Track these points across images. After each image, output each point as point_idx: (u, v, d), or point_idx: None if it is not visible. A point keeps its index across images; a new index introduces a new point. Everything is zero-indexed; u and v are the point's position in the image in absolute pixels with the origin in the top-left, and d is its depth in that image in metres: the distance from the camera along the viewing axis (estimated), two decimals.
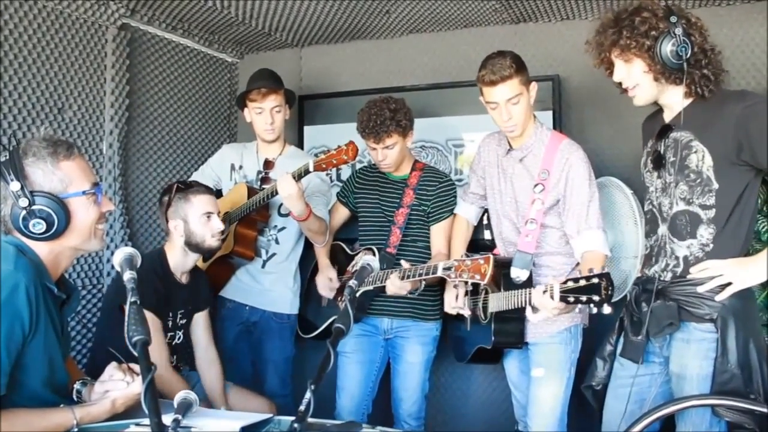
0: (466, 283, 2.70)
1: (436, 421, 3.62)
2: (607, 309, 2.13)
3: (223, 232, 2.86)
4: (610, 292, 2.11)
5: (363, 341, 3.11)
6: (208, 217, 2.79)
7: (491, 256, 2.50)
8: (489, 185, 2.88)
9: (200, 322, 2.97)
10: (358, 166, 3.61)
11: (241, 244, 3.23)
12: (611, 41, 2.18)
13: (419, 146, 3.77)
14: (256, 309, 3.34)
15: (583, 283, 2.17)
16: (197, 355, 2.95)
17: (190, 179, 3.02)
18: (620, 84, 2.26)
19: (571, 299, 2.20)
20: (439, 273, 2.63)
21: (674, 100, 2.20)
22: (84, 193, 1.87)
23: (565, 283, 2.23)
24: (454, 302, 2.80)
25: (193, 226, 2.77)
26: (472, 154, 3.61)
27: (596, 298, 2.13)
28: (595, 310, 2.16)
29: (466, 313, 2.80)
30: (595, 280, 2.14)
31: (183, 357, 2.93)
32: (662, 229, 2.25)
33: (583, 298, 2.16)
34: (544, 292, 2.31)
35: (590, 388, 2.45)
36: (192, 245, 2.79)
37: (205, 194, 2.83)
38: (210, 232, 2.79)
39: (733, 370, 2.02)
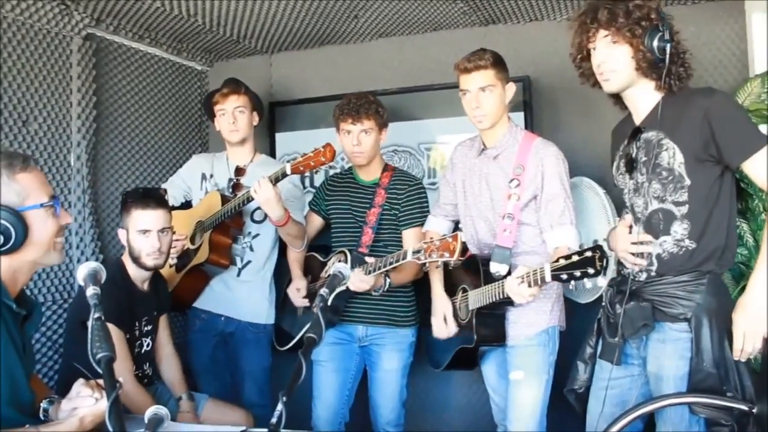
0: (438, 264, 2.71)
1: (415, 428, 3.59)
2: (602, 281, 2.14)
3: (161, 251, 2.75)
4: (605, 263, 2.12)
5: (337, 349, 3.08)
6: (145, 234, 2.71)
7: (459, 234, 2.49)
8: (461, 191, 2.87)
9: (161, 323, 2.99)
10: (331, 172, 3.59)
11: (216, 253, 3.19)
12: (606, 19, 2.15)
13: (391, 150, 3.76)
14: (231, 319, 3.31)
15: (575, 258, 2.18)
16: (156, 351, 2.97)
17: (147, 189, 2.97)
18: (591, 73, 2.26)
19: (564, 276, 2.20)
20: (409, 257, 2.61)
21: (640, 94, 2.21)
22: (42, 205, 1.84)
23: (556, 261, 2.24)
24: (445, 326, 2.80)
25: (132, 239, 2.73)
26: (443, 155, 3.62)
27: (591, 270, 2.13)
28: (589, 285, 2.16)
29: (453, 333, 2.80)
30: (589, 254, 2.14)
31: (153, 364, 2.91)
32: (636, 229, 2.25)
33: (577, 273, 2.17)
34: (520, 283, 2.35)
35: (573, 391, 2.44)
36: (132, 257, 2.75)
37: (147, 209, 2.72)
38: (145, 249, 2.71)
39: (708, 369, 2.03)
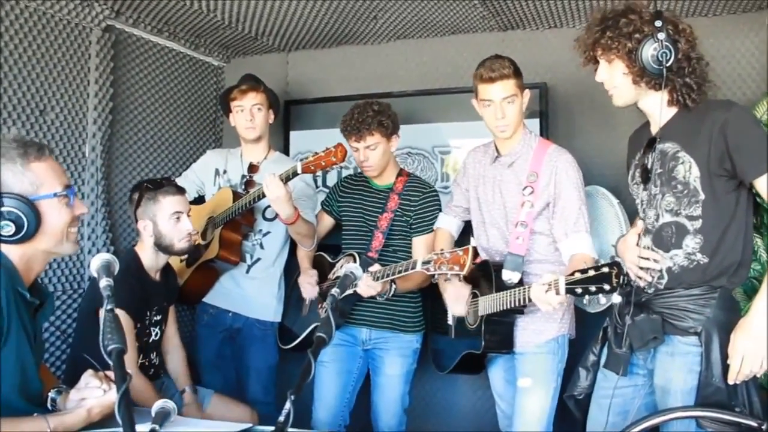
0: (446, 276, 2.70)
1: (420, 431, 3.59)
2: (617, 298, 2.13)
3: (192, 234, 2.82)
4: (621, 281, 2.10)
5: (341, 351, 3.06)
6: (178, 217, 2.76)
7: (470, 247, 2.48)
8: (474, 197, 2.87)
9: (169, 314, 3.00)
10: (345, 173, 3.59)
11: (226, 249, 3.20)
12: (594, 39, 2.17)
13: (405, 152, 3.75)
14: (239, 315, 3.31)
15: (591, 273, 2.15)
16: (163, 342, 2.97)
17: (160, 179, 2.95)
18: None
19: (579, 290, 2.18)
20: (419, 268, 2.60)
21: (655, 106, 2.18)
22: (55, 195, 1.83)
23: (571, 274, 2.21)
24: (455, 298, 2.78)
25: (162, 227, 2.73)
26: (457, 159, 3.61)
27: (607, 287, 2.11)
28: (603, 300, 2.14)
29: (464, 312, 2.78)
30: (606, 270, 2.11)
31: (160, 354, 2.92)
32: (645, 241, 2.23)
33: (592, 288, 2.14)
34: (547, 290, 2.28)
35: (572, 397, 2.43)
36: (161, 247, 2.76)
37: (175, 194, 2.78)
38: (179, 234, 2.75)
39: (717, 383, 2.01)
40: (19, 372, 1.77)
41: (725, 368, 2.01)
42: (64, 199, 1.86)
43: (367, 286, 2.77)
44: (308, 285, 3.16)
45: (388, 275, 2.76)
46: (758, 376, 2.02)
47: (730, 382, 2.00)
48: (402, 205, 3.05)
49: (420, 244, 3.04)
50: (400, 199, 3.06)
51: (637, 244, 2.24)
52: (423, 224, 3.05)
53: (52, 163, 1.86)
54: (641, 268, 2.21)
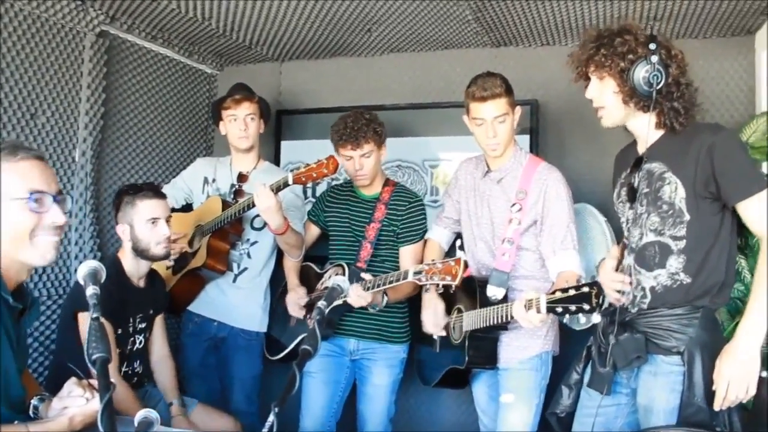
0: (438, 287, 2.71)
1: None
2: (596, 318, 2.14)
3: (169, 239, 2.79)
4: (601, 301, 2.11)
5: (328, 361, 3.06)
6: (154, 222, 2.73)
7: (462, 258, 2.49)
8: (464, 209, 2.88)
9: (157, 322, 2.97)
10: (333, 183, 3.59)
11: (214, 257, 3.18)
12: (588, 56, 2.18)
13: (396, 165, 3.76)
14: (224, 325, 3.30)
15: (572, 292, 2.16)
16: (152, 351, 2.96)
17: (141, 183, 2.92)
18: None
19: (559, 309, 2.19)
20: (410, 278, 2.60)
21: (642, 127, 2.19)
22: (15, 198, 1.72)
23: (552, 293, 2.22)
24: (434, 319, 2.80)
25: (139, 231, 2.72)
26: (447, 173, 3.62)
27: (586, 307, 2.12)
28: (583, 320, 2.15)
29: (442, 333, 2.80)
30: (586, 289, 2.13)
31: (144, 362, 2.89)
32: (629, 260, 2.25)
33: (572, 307, 2.15)
34: (528, 308, 2.29)
35: (555, 415, 2.43)
36: (138, 251, 2.74)
37: (153, 198, 2.76)
38: (156, 238, 2.73)
39: (699, 403, 2.01)
40: (1, 377, 1.75)
41: (707, 388, 2.02)
42: (28, 203, 1.74)
43: (357, 296, 2.76)
44: (295, 306, 3.15)
45: (379, 285, 2.76)
46: (743, 401, 2.03)
47: (716, 408, 2.00)
48: (389, 215, 3.06)
49: (407, 254, 3.05)
50: (387, 209, 3.06)
51: (620, 265, 2.25)
52: (410, 234, 3.05)
53: (25, 165, 1.76)
54: (619, 291, 2.22)
